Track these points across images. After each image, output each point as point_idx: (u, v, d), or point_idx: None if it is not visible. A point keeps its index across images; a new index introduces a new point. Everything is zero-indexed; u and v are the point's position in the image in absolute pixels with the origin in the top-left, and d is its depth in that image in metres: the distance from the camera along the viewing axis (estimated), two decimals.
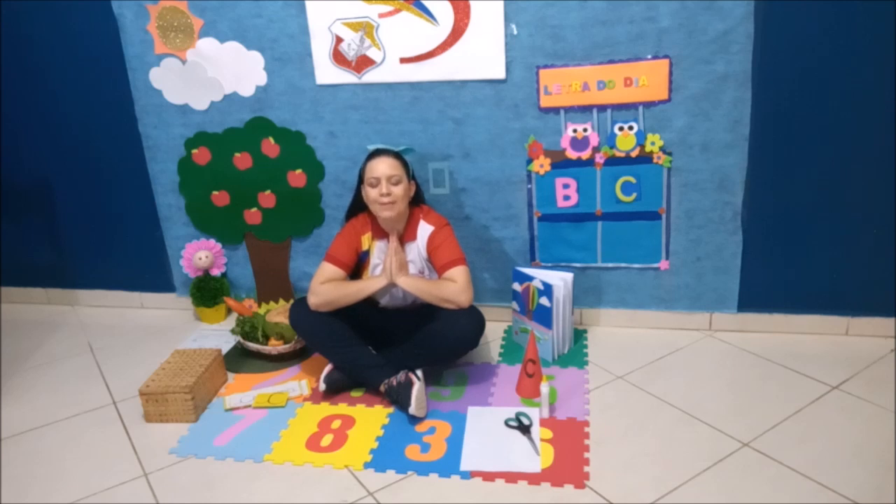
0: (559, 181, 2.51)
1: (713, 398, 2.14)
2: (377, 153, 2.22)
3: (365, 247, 2.31)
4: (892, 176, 2.27)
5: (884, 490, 1.69)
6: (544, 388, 2.06)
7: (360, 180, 2.26)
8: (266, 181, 2.75)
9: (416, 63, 2.45)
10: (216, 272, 2.92)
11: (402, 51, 2.44)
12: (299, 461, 1.94)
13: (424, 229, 2.27)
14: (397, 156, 2.23)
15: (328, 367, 2.27)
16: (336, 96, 2.57)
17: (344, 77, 2.53)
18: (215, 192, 2.81)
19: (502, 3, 2.31)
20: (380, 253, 2.30)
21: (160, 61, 2.65)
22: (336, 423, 2.11)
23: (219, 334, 2.81)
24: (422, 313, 2.25)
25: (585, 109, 2.41)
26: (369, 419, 2.12)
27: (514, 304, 2.55)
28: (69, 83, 2.81)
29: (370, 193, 2.19)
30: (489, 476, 1.83)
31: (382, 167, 2.17)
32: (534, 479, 1.81)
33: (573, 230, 2.57)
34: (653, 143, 2.39)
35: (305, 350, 2.55)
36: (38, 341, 2.84)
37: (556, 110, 2.42)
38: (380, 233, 2.29)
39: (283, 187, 2.74)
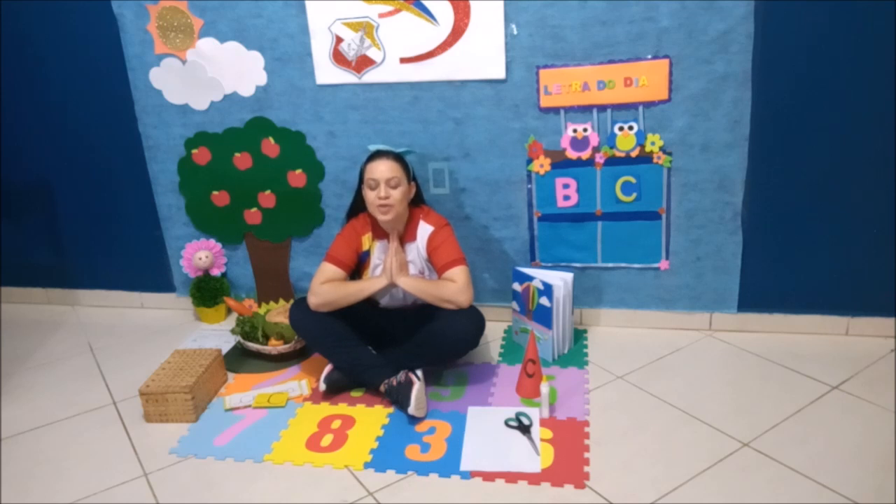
0: (559, 181, 2.51)
1: (713, 398, 2.14)
2: (377, 155, 2.22)
3: (365, 247, 2.31)
4: (891, 176, 2.27)
5: (884, 490, 1.69)
6: (544, 388, 2.06)
7: (361, 180, 2.26)
8: (266, 181, 2.75)
9: (416, 63, 2.45)
10: (216, 272, 2.92)
11: (402, 51, 2.44)
12: (299, 461, 1.94)
13: (424, 229, 2.27)
14: (398, 157, 2.22)
15: (328, 367, 2.27)
16: (336, 96, 2.57)
17: (344, 77, 2.53)
18: (215, 192, 2.81)
19: (502, 3, 2.31)
20: (380, 253, 2.30)
21: (160, 61, 2.65)
22: (336, 423, 2.11)
23: (219, 334, 2.81)
24: (422, 313, 2.25)
25: (585, 109, 2.41)
26: (369, 419, 2.12)
27: (514, 304, 2.55)
28: (69, 83, 2.81)
29: (369, 195, 2.19)
30: (489, 476, 1.83)
31: (382, 169, 2.17)
32: (534, 479, 1.81)
33: (573, 230, 2.57)
34: (653, 143, 2.39)
35: (305, 350, 2.55)
36: (38, 341, 2.84)
37: (556, 110, 2.42)
38: (380, 233, 2.29)
39: (283, 187, 2.74)
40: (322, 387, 2.24)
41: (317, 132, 2.64)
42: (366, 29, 2.45)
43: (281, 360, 2.52)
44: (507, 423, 2.05)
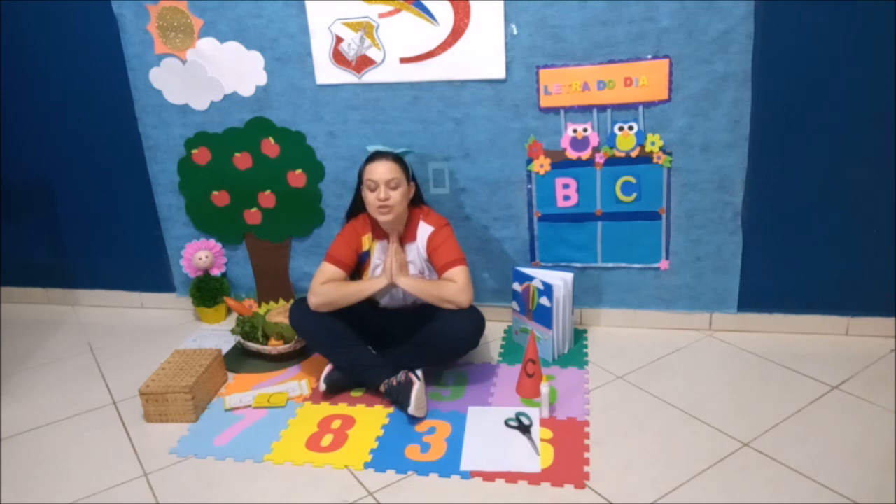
0: (559, 181, 2.51)
1: (713, 398, 2.14)
2: (376, 156, 2.21)
3: (365, 247, 2.31)
4: (892, 176, 2.27)
5: (884, 490, 1.69)
6: (544, 388, 2.06)
7: (360, 180, 2.26)
8: (266, 181, 2.75)
9: (416, 63, 2.45)
10: (216, 272, 2.92)
11: (402, 51, 2.44)
12: (299, 461, 1.94)
13: (424, 230, 2.27)
14: (397, 158, 2.22)
15: (328, 367, 2.27)
16: (336, 96, 2.57)
17: (344, 77, 2.53)
18: (215, 192, 2.81)
19: (502, 3, 2.31)
20: (380, 253, 2.30)
21: (160, 61, 2.65)
22: (336, 423, 2.11)
23: (219, 334, 2.81)
24: (422, 313, 2.25)
25: (585, 109, 2.41)
26: (369, 419, 2.12)
27: (514, 304, 2.55)
28: (69, 83, 2.81)
29: (368, 197, 2.19)
30: (489, 476, 1.83)
31: (381, 170, 2.17)
32: (534, 479, 1.81)
33: (573, 230, 2.57)
34: (653, 143, 2.39)
35: (305, 350, 2.55)
36: (38, 341, 2.84)
37: (556, 110, 2.42)
38: (380, 233, 2.29)
39: (283, 187, 2.74)
40: (322, 387, 2.24)
41: (317, 132, 2.64)
42: (366, 29, 2.45)
43: (281, 360, 2.52)
44: (507, 423, 2.05)
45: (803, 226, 2.40)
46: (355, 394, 2.27)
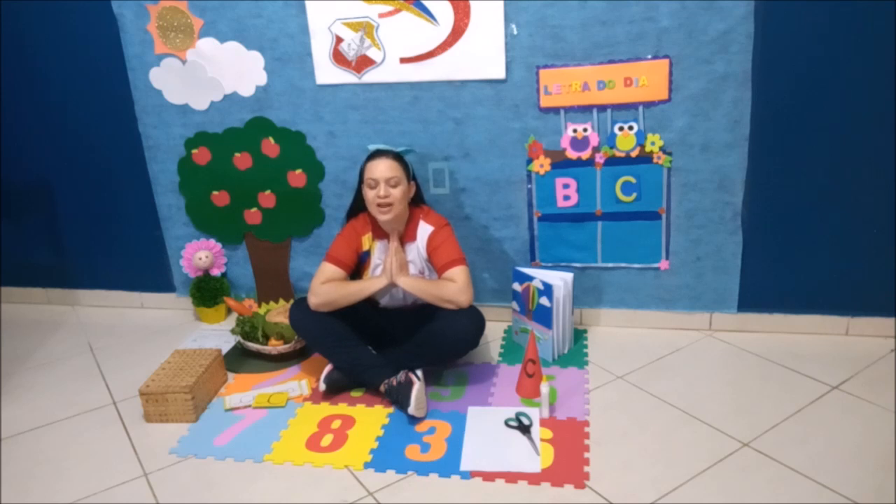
0: (559, 181, 2.51)
1: (713, 398, 2.14)
2: (377, 154, 2.22)
3: (365, 247, 2.31)
4: (892, 176, 2.27)
5: (884, 490, 1.69)
6: (544, 388, 2.06)
7: (361, 180, 2.26)
8: (266, 181, 2.75)
9: (416, 63, 2.45)
10: (216, 272, 2.92)
11: (402, 51, 2.44)
12: (299, 461, 1.94)
13: (424, 229, 2.27)
14: (397, 157, 2.22)
15: (328, 367, 2.27)
16: (336, 96, 2.57)
17: (344, 77, 2.53)
18: (215, 192, 2.81)
19: (502, 3, 2.31)
20: (380, 253, 2.30)
21: (160, 61, 2.65)
22: (336, 423, 2.11)
23: (219, 334, 2.81)
24: (422, 313, 2.25)
25: (585, 109, 2.41)
26: (369, 419, 2.12)
27: (514, 304, 2.55)
28: (69, 83, 2.81)
29: (368, 195, 2.19)
30: (489, 476, 1.83)
31: (381, 168, 2.17)
32: (534, 479, 1.81)
33: (573, 230, 2.57)
34: (653, 143, 2.39)
35: (305, 350, 2.55)
36: (38, 341, 2.84)
37: (556, 110, 2.42)
38: (380, 233, 2.29)
39: (283, 187, 2.74)
40: (322, 387, 2.24)
41: (317, 132, 2.64)
42: (366, 29, 2.45)
43: (281, 360, 2.52)
44: (507, 423, 2.05)
45: (803, 226, 2.40)
46: (355, 394, 2.27)
